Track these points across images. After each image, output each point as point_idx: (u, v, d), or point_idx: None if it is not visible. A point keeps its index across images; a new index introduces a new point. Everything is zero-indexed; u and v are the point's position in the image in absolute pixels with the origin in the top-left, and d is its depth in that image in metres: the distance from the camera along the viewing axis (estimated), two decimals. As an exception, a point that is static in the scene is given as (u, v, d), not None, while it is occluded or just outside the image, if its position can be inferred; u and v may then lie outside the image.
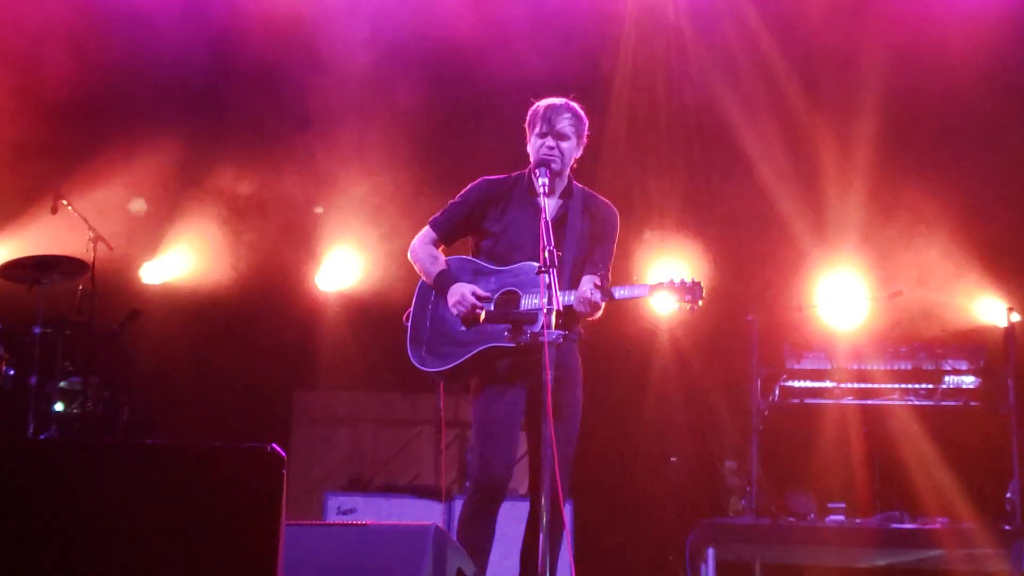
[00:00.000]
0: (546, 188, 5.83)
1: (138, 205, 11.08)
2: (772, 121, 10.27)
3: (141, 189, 10.92)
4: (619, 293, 5.89)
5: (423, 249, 6.22)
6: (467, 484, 9.77)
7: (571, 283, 5.94)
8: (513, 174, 6.24)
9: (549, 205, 6.07)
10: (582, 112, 6.14)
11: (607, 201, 6.31)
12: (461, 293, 5.95)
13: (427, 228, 6.27)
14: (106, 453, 3.83)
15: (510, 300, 5.96)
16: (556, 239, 5.90)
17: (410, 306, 6.23)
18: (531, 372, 5.92)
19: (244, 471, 3.68)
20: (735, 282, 10.43)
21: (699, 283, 5.85)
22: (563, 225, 6.07)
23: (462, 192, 6.27)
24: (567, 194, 6.14)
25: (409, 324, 6.15)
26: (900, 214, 10.26)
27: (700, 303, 5.84)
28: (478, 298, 5.94)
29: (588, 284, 5.85)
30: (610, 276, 6.05)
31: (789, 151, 10.37)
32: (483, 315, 5.87)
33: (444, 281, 6.06)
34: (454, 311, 5.96)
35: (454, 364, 5.99)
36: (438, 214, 6.28)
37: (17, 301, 9.80)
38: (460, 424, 10.30)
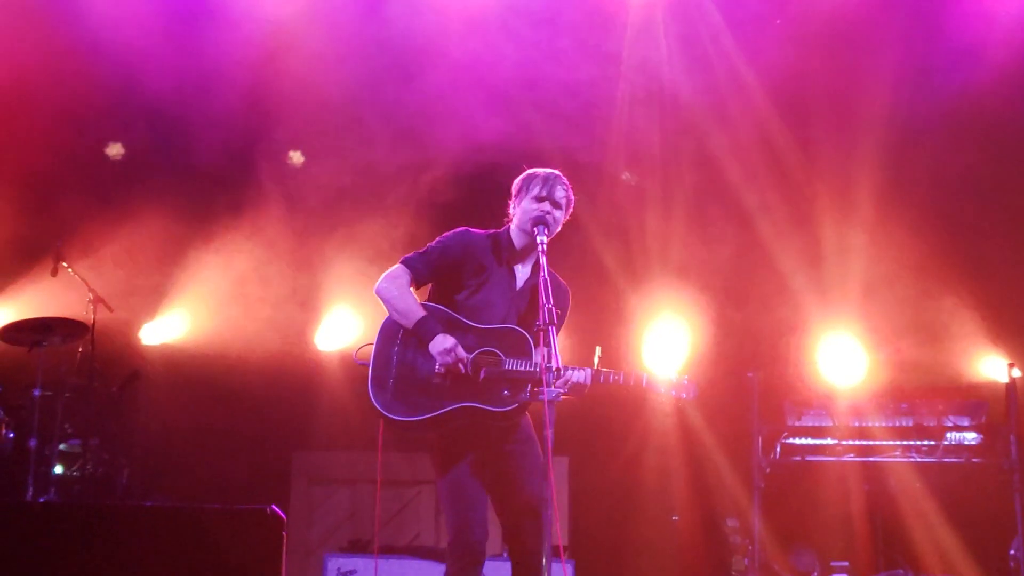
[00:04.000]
0: (544, 246, 5.86)
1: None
2: (771, 177, 10.31)
3: (140, 251, 10.91)
4: (612, 378, 5.89)
5: (399, 289, 6.03)
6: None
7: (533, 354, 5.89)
8: (490, 232, 6.23)
9: (521, 273, 6.14)
10: (571, 192, 6.19)
11: (563, 281, 6.28)
12: (450, 345, 5.83)
13: (400, 267, 6.10)
14: (106, 516, 3.83)
15: (491, 361, 5.89)
16: (526, 306, 5.96)
17: (366, 344, 6.04)
18: (489, 435, 5.92)
19: (244, 533, 3.67)
20: (735, 339, 10.44)
21: (695, 382, 5.94)
22: (533, 294, 6.06)
23: (442, 238, 6.18)
24: (536, 268, 6.12)
25: (371, 364, 5.95)
26: (900, 270, 10.26)
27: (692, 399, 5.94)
28: (465, 358, 5.84)
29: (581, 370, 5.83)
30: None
31: (788, 208, 10.40)
32: (483, 372, 5.83)
33: (427, 328, 5.91)
34: (439, 360, 5.83)
35: (428, 416, 5.85)
36: (413, 255, 6.14)
37: (17, 364, 9.79)
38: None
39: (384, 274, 6.10)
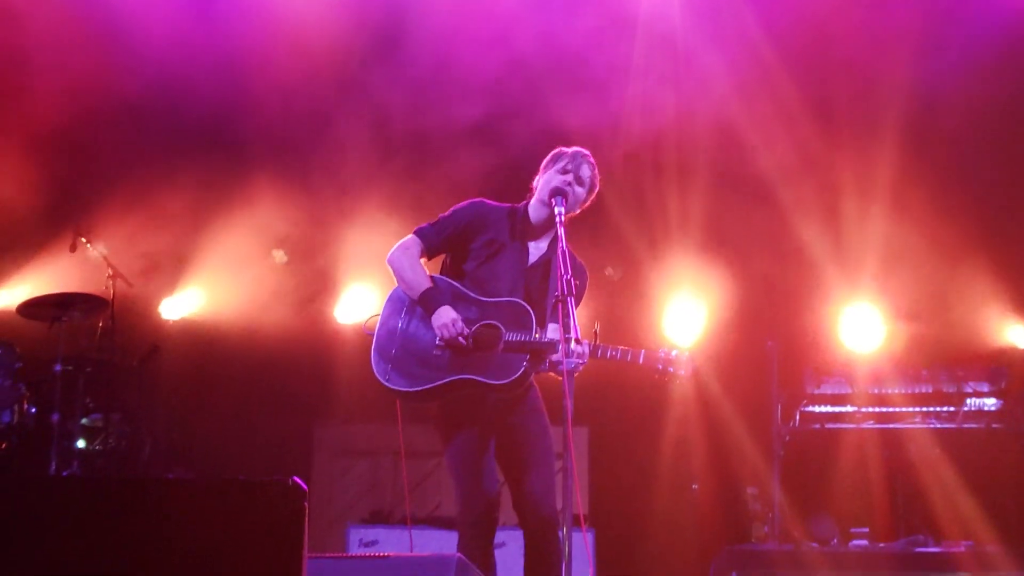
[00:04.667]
0: (562, 216, 5.84)
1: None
2: (790, 146, 10.26)
3: (159, 226, 10.93)
4: (609, 353, 5.88)
5: (408, 260, 6.06)
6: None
7: (542, 325, 5.90)
8: (506, 205, 6.22)
9: (535, 249, 6.12)
10: (597, 174, 6.17)
11: (581, 261, 6.27)
12: (452, 319, 5.84)
13: (412, 238, 6.12)
14: (128, 488, 3.84)
15: (492, 334, 5.88)
16: (538, 282, 5.94)
17: (375, 315, 6.10)
18: (496, 408, 5.94)
19: (266, 504, 3.68)
20: (754, 308, 10.42)
21: (693, 358, 5.94)
22: (547, 273, 6.05)
23: (455, 208, 6.19)
24: (553, 244, 6.06)
25: (376, 334, 6.01)
26: (920, 237, 10.23)
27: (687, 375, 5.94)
28: (465, 331, 5.85)
29: (552, 334, 5.84)
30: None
31: (808, 176, 10.36)
32: (502, 344, 5.84)
33: (431, 300, 5.93)
34: (439, 333, 5.85)
35: (424, 388, 5.88)
36: (426, 226, 6.15)
37: (38, 339, 9.83)
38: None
39: (397, 244, 6.13)
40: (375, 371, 5.92)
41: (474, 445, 5.96)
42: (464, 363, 5.86)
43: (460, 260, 6.15)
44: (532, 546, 5.99)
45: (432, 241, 6.12)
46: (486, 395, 5.91)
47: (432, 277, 6.07)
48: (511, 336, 5.84)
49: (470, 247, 6.11)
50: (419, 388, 5.90)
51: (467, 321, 5.89)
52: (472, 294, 5.99)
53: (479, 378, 5.83)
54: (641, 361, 5.89)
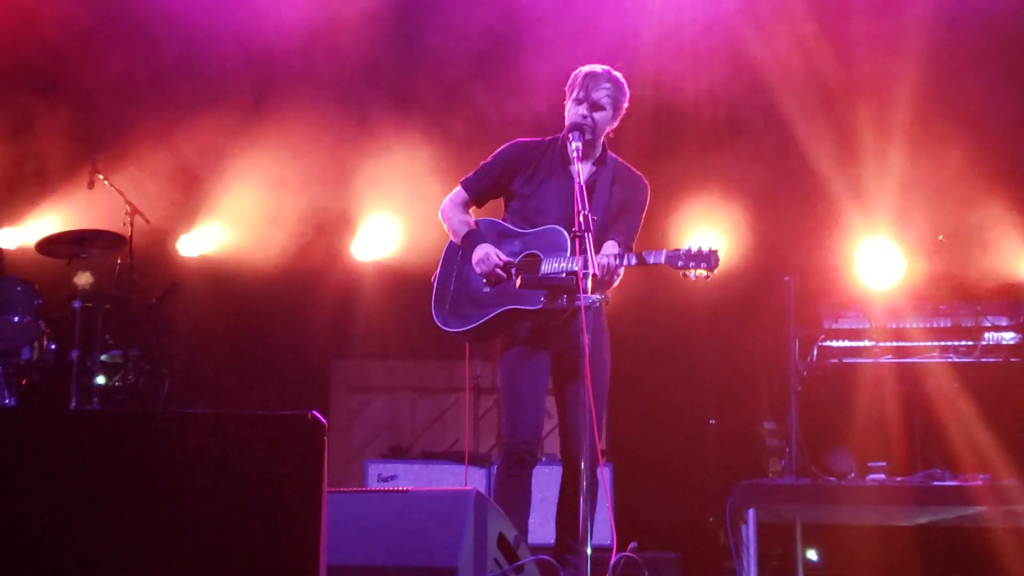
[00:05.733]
0: (579, 152, 5.85)
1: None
2: (808, 78, 10.18)
3: (176, 162, 10.91)
4: (634, 260, 5.88)
5: (453, 209, 6.30)
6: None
7: (594, 250, 5.91)
8: (547, 138, 6.27)
9: (581, 170, 6.11)
10: (623, 81, 6.13)
11: (639, 174, 6.32)
12: (485, 252, 6.01)
13: (458, 188, 6.34)
14: (148, 424, 3.86)
15: (532, 263, 5.98)
16: (590, 203, 5.94)
17: (438, 267, 6.30)
18: (554, 337, 6.00)
19: (286, 439, 3.70)
20: (771, 243, 10.38)
21: (716, 251, 5.89)
22: (592, 192, 6.06)
23: (494, 153, 6.32)
24: (600, 162, 6.17)
25: (434, 283, 6.22)
26: (939, 170, 10.15)
27: (715, 272, 5.90)
28: (501, 260, 6.00)
29: (607, 250, 5.94)
30: (633, 247, 6.10)
31: (826, 109, 10.28)
32: (519, 280, 5.89)
33: (470, 241, 6.12)
34: (476, 269, 6.02)
35: (474, 325, 6.04)
36: (469, 175, 6.33)
37: (56, 276, 9.87)
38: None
39: (446, 197, 6.36)
40: (435, 318, 6.14)
41: (524, 378, 6.07)
42: (505, 296, 5.99)
43: (510, 200, 6.30)
44: (566, 479, 6.11)
45: (476, 187, 6.32)
46: (528, 322, 6.02)
47: (477, 221, 6.25)
48: (548, 263, 5.90)
49: (514, 187, 6.20)
50: (470, 327, 6.05)
51: (511, 255, 6.03)
52: (517, 229, 6.10)
53: (521, 307, 5.94)
54: (663, 261, 5.89)
